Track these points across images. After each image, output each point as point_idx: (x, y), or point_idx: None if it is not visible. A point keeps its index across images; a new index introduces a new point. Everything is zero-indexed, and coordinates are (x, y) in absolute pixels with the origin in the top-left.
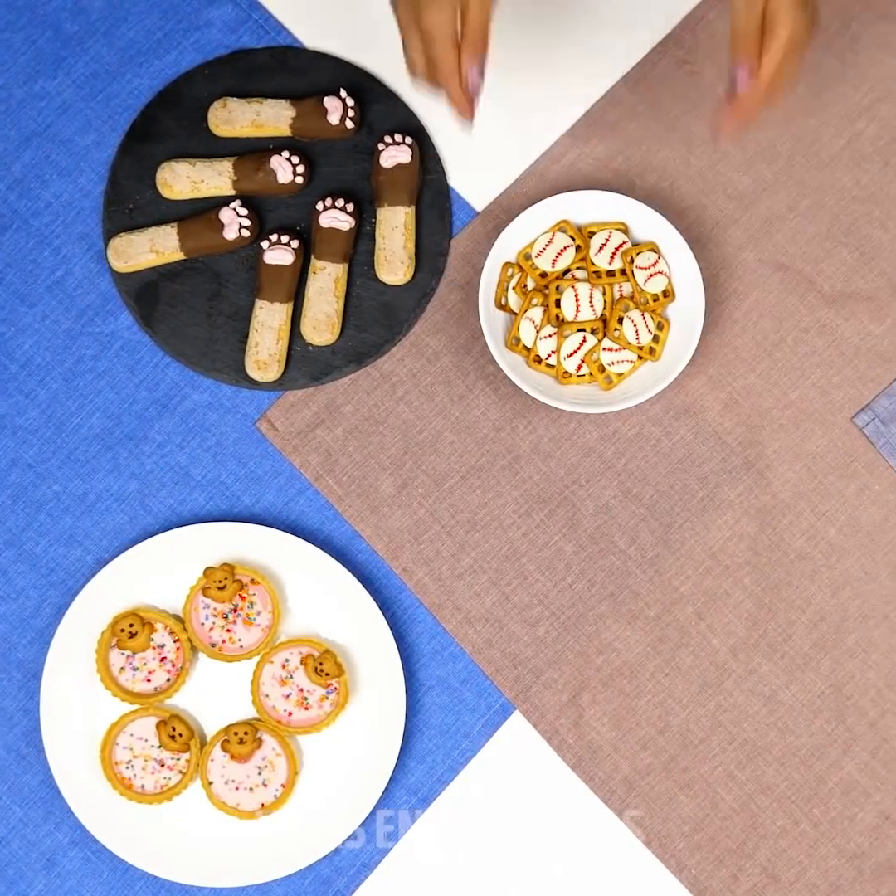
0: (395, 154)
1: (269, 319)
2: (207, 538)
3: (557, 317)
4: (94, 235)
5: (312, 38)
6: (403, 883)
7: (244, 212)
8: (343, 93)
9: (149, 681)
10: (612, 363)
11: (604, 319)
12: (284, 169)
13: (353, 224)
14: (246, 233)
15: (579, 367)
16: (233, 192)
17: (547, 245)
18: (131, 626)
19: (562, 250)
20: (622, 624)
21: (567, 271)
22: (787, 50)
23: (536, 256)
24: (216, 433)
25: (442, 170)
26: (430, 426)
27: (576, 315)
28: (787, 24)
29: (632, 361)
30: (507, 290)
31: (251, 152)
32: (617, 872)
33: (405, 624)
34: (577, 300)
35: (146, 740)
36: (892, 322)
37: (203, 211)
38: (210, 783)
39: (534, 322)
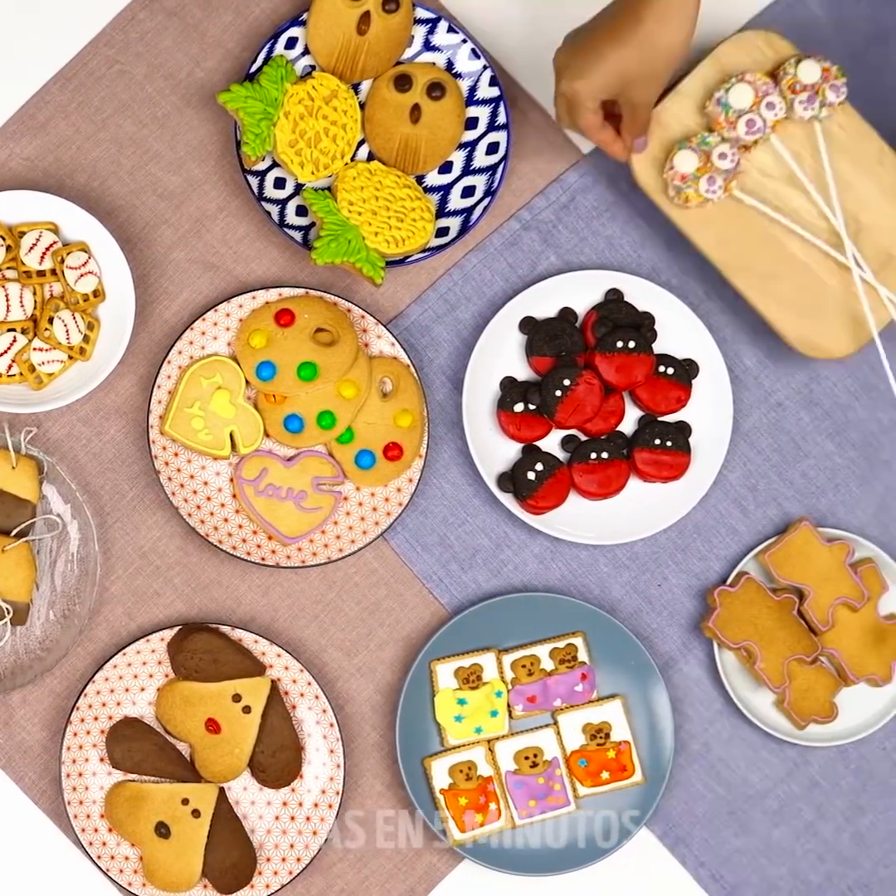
0: None
1: None
2: None
3: None
4: None
5: None
6: None
7: None
8: None
9: None
10: (43, 363)
11: (34, 319)
12: None
13: None
14: None
15: (9, 366)
16: None
17: None
18: None
19: None
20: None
21: None
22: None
23: None
24: None
25: None
26: None
27: (6, 315)
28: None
29: (62, 361)
30: None
31: None
32: (46, 872)
33: None
34: (7, 300)
35: None
36: None
37: None
38: None
39: None
